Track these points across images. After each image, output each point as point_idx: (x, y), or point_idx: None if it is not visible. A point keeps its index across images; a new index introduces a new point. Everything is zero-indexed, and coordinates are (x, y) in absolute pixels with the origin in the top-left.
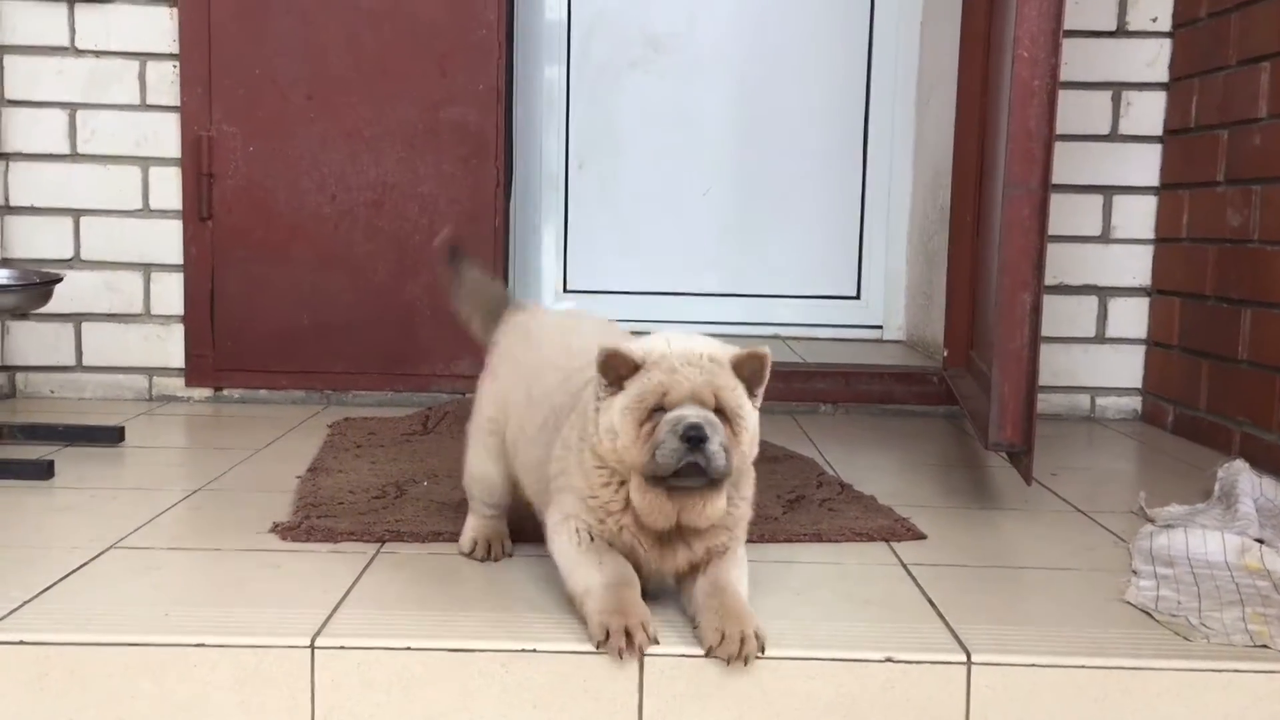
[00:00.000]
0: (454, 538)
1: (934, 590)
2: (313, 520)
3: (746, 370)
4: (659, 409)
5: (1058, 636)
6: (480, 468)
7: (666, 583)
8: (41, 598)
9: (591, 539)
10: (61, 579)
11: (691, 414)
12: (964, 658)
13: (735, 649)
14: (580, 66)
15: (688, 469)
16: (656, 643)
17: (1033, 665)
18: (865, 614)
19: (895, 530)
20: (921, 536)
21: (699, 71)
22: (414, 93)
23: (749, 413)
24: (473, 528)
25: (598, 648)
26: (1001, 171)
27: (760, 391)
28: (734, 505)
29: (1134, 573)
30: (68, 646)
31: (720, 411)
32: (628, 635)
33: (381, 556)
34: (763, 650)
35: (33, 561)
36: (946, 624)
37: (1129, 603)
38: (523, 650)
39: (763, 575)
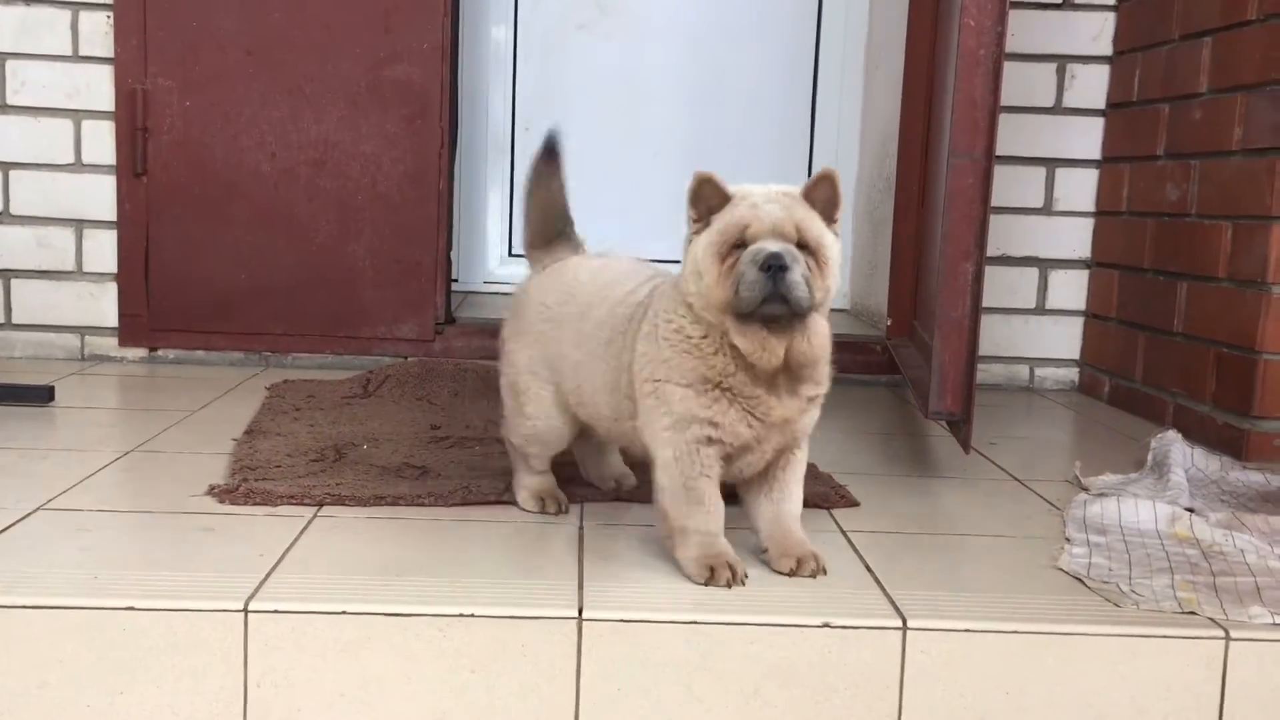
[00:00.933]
0: (395, 502)
1: (872, 557)
2: (250, 483)
3: (820, 197)
4: (741, 244)
5: (992, 603)
6: (545, 421)
7: (756, 467)
8: None
9: (703, 470)
10: None
11: (772, 245)
12: (900, 623)
13: (810, 570)
14: (528, 26)
15: (772, 299)
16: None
17: (967, 631)
18: (805, 581)
19: (829, 497)
20: (855, 504)
21: (648, 34)
22: (357, 49)
23: (831, 241)
24: (531, 486)
25: (705, 584)
26: (947, 140)
27: (838, 217)
28: (818, 386)
29: (1067, 540)
30: None
31: (804, 246)
32: (732, 571)
33: (318, 520)
34: (825, 571)
35: None
36: (884, 590)
37: (1062, 570)
38: (460, 615)
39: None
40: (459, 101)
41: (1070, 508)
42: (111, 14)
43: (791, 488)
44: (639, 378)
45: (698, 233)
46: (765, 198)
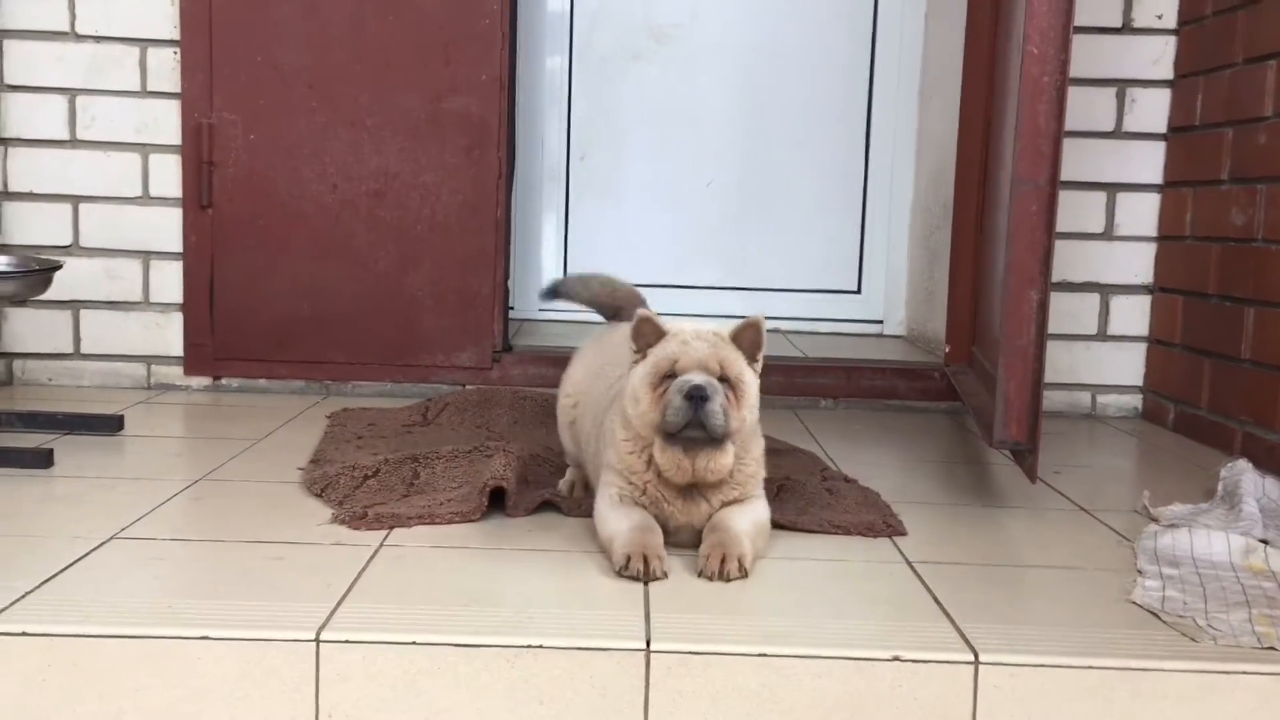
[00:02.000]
0: (447, 520)
1: (940, 589)
2: (375, 509)
3: (745, 340)
4: (671, 375)
5: (1065, 636)
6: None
7: (695, 536)
8: (44, 588)
9: (621, 500)
10: (64, 569)
11: (696, 378)
12: (971, 657)
13: (716, 567)
14: (583, 57)
15: (693, 425)
16: (667, 575)
17: (1041, 665)
18: (874, 612)
19: (876, 525)
20: (903, 533)
21: (702, 63)
22: (417, 82)
23: (750, 379)
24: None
25: (619, 573)
26: (1009, 168)
27: (760, 357)
28: (743, 464)
29: (1139, 573)
30: (70, 638)
31: (725, 379)
32: (645, 563)
33: (385, 549)
34: (744, 573)
35: (34, 551)
36: (953, 623)
37: (1135, 603)
38: (529, 646)
39: (768, 571)
40: (515, 132)
41: (1140, 539)
42: (179, 50)
43: (733, 518)
44: (599, 447)
45: (637, 363)
46: (695, 335)
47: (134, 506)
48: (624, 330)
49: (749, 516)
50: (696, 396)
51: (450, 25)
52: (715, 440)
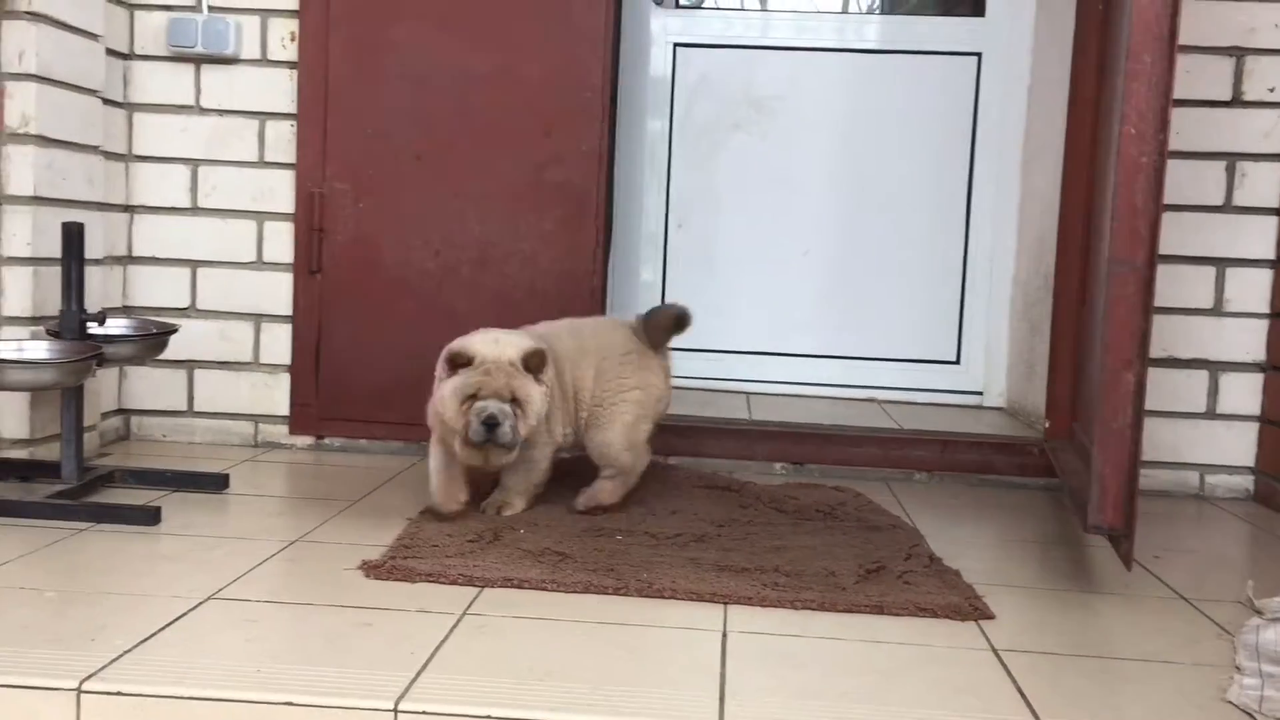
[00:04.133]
0: (522, 585)
1: (1026, 680)
2: (396, 561)
3: (532, 363)
4: (473, 396)
5: None
6: None
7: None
8: (141, 647)
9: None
10: (161, 629)
11: (491, 406)
12: None
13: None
14: (682, 127)
15: (487, 442)
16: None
17: None
18: (954, 702)
19: (962, 609)
20: (990, 616)
21: (801, 133)
22: (518, 154)
23: (534, 396)
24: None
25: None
26: (1106, 246)
27: (544, 376)
28: (532, 448)
29: (1237, 669)
30: (161, 699)
31: (514, 400)
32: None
33: (468, 618)
34: (499, 512)
35: (134, 609)
36: (1036, 718)
37: (1231, 702)
38: None
39: (848, 654)
40: (614, 200)
41: (1242, 633)
42: (295, 123)
43: (507, 491)
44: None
45: (448, 377)
46: (495, 364)
47: (233, 567)
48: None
49: (527, 476)
50: (490, 424)
51: (552, 99)
52: (505, 447)
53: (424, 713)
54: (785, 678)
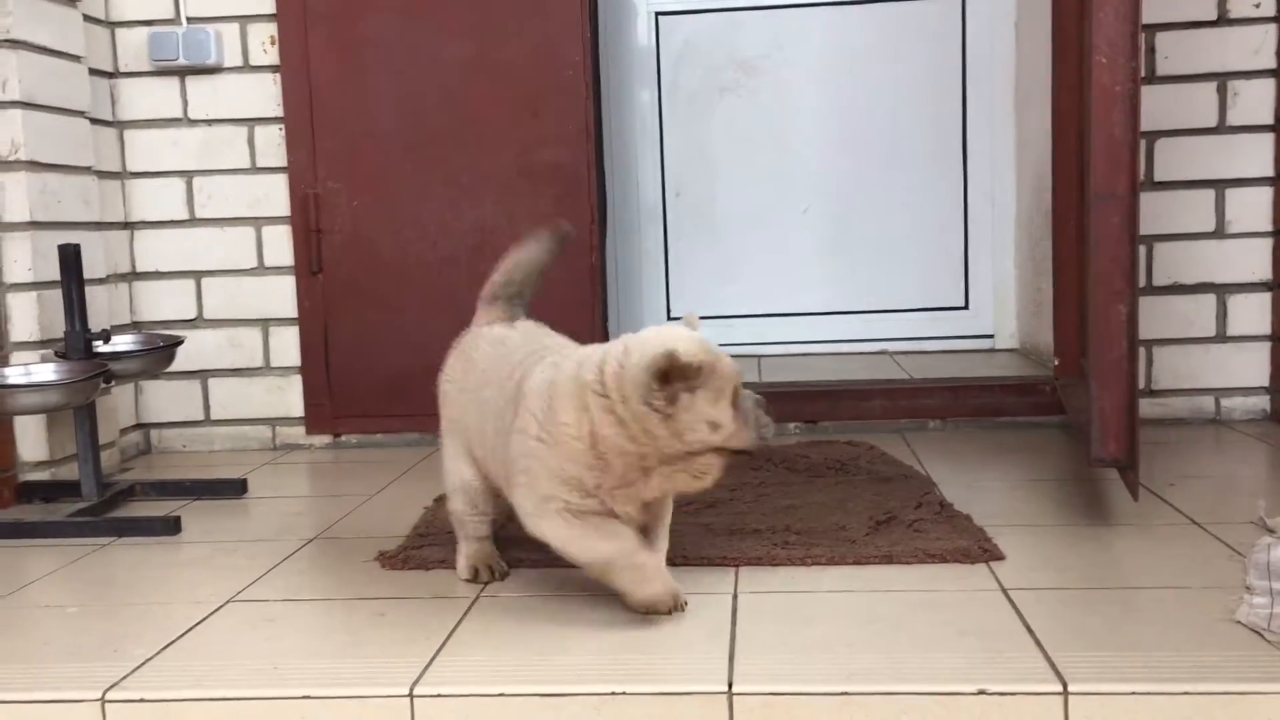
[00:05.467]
0: (536, 564)
1: (1033, 616)
2: (410, 550)
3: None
4: (730, 403)
5: (1161, 662)
6: (460, 475)
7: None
8: (163, 654)
9: (574, 516)
10: (181, 635)
11: (751, 396)
12: (1060, 688)
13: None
14: (671, 95)
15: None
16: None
17: (1132, 693)
18: (961, 644)
19: (971, 552)
20: (1000, 557)
21: (791, 92)
22: (506, 137)
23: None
24: (468, 554)
25: (645, 613)
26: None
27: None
28: None
29: (1247, 589)
30: (182, 703)
31: None
32: (673, 596)
33: (482, 600)
34: (682, 608)
35: (155, 618)
36: (1044, 652)
37: (1240, 622)
38: (613, 693)
39: (854, 605)
40: (606, 175)
41: (1253, 552)
42: (283, 127)
43: (660, 543)
44: (514, 451)
45: (689, 392)
46: (721, 360)
47: (252, 569)
48: (484, 333)
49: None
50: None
51: (535, 80)
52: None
53: (439, 694)
54: (794, 633)
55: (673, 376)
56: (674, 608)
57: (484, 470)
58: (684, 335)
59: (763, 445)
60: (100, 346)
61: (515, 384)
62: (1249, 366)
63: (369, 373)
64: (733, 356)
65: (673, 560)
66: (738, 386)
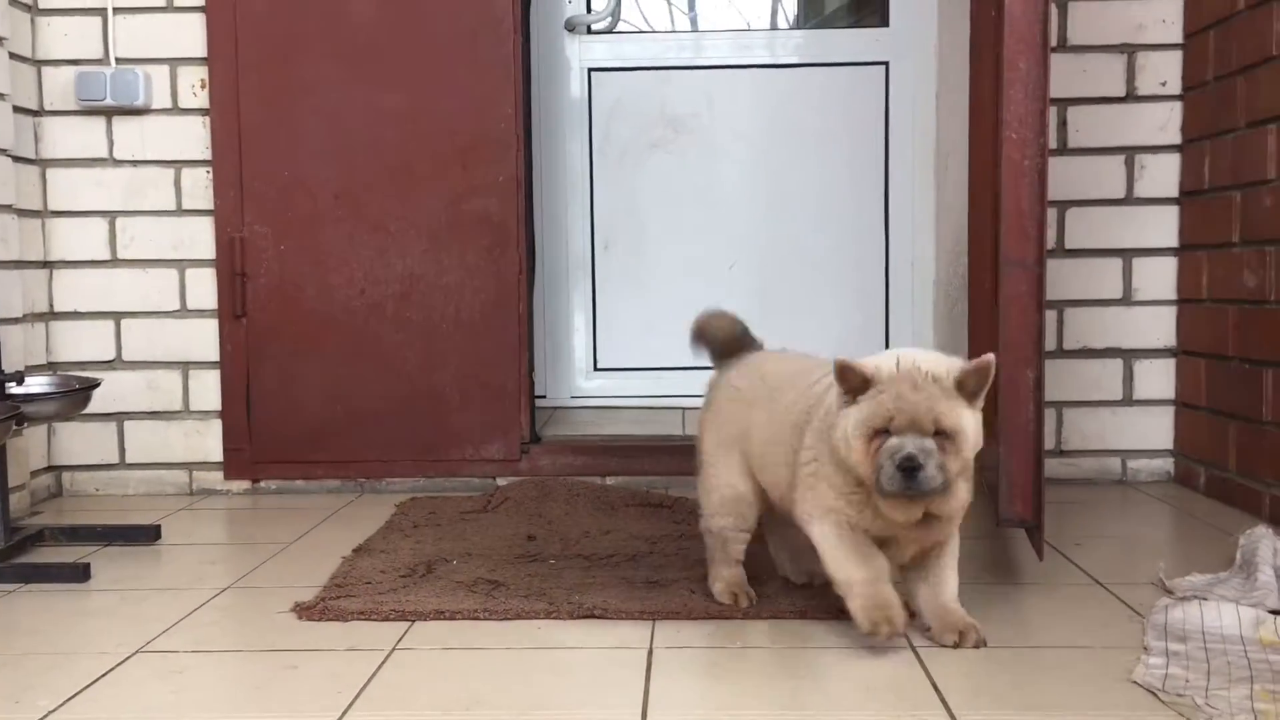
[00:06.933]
0: (455, 617)
1: (940, 674)
2: (328, 600)
3: (971, 385)
4: (884, 431)
5: None
6: (732, 487)
7: (902, 559)
8: (67, 705)
9: (850, 529)
10: (87, 686)
11: (909, 445)
12: None
13: (973, 640)
14: (602, 150)
15: (906, 490)
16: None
17: None
18: (871, 702)
19: None
20: (912, 614)
21: (719, 150)
22: (437, 187)
23: (967, 425)
24: (726, 578)
25: (868, 635)
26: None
27: (982, 395)
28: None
29: (1145, 649)
30: None
31: (941, 433)
32: (889, 623)
33: (396, 653)
34: (985, 643)
35: (61, 668)
36: (949, 712)
37: (1137, 683)
38: None
39: (770, 661)
40: (536, 227)
41: (1151, 613)
42: (210, 169)
43: (946, 573)
44: (804, 456)
45: (847, 405)
46: (910, 382)
47: (162, 618)
48: (767, 355)
49: (955, 561)
50: (909, 469)
51: (466, 131)
52: (932, 492)
53: None
54: (709, 689)
55: (842, 379)
56: (893, 633)
57: (757, 473)
58: (912, 358)
59: (889, 494)
60: (13, 388)
61: (815, 398)
62: (1154, 429)
63: (291, 418)
64: (660, 408)
65: (591, 613)
66: (890, 430)
